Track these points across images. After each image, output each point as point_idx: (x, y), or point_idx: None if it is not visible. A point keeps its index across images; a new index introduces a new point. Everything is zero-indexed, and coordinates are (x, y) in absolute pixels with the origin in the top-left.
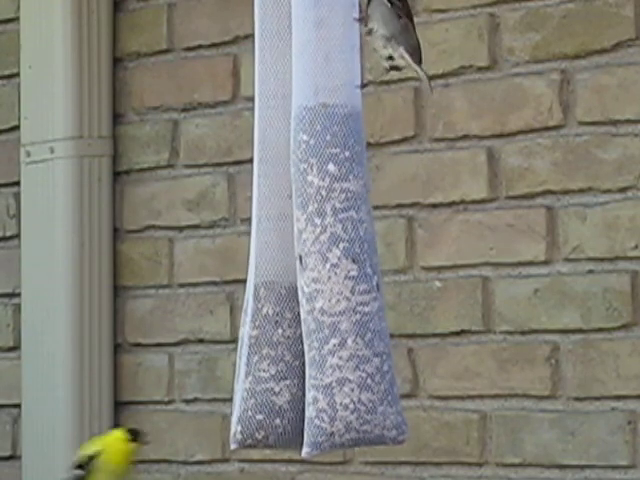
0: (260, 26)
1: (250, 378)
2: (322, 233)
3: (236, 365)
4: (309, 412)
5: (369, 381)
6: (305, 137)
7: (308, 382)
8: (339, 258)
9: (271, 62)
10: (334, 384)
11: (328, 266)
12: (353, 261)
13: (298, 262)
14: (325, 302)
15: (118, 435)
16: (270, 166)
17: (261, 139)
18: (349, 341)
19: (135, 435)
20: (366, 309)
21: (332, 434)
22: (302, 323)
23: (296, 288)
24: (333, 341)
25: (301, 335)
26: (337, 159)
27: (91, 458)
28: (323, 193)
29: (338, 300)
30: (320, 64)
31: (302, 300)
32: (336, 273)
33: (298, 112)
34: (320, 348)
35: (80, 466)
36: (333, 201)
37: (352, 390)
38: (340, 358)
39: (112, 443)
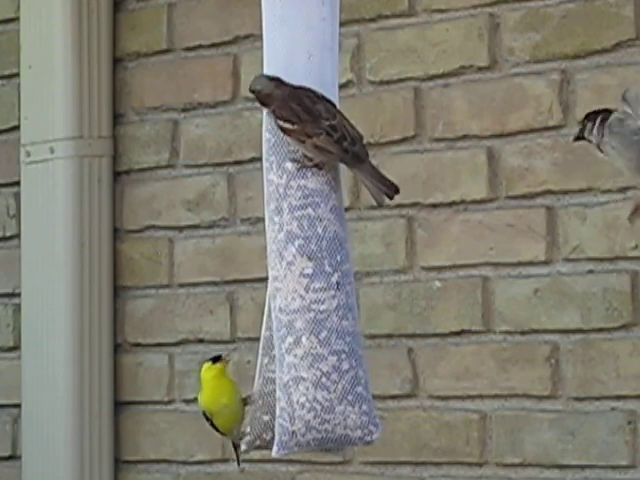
0: None
1: (261, 380)
2: (280, 231)
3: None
4: (276, 411)
5: (324, 379)
6: (268, 135)
7: (276, 381)
8: (294, 256)
9: None
10: (290, 382)
11: (284, 264)
12: (309, 259)
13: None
14: (282, 300)
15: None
16: None
17: None
18: (303, 339)
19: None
20: (322, 307)
21: (294, 433)
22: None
23: None
24: (289, 339)
25: None
26: (295, 156)
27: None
28: (281, 191)
29: (293, 298)
30: (282, 62)
31: (269, 299)
32: (291, 271)
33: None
34: (279, 347)
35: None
36: (289, 199)
37: (307, 389)
38: (295, 356)
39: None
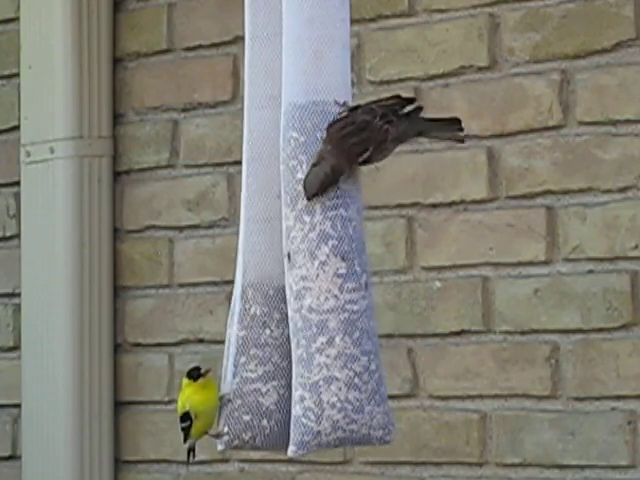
0: (250, 28)
1: (237, 379)
2: (311, 231)
3: (222, 367)
4: (296, 410)
5: (356, 380)
6: (295, 134)
7: (295, 380)
8: (328, 256)
9: (260, 63)
10: (321, 382)
11: (317, 263)
12: (342, 259)
13: (286, 260)
14: (313, 300)
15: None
16: (259, 166)
17: (250, 139)
18: (337, 339)
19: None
20: (354, 307)
21: (319, 433)
22: (289, 321)
23: (284, 289)
24: (321, 339)
25: (289, 336)
26: None
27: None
28: None
29: (326, 298)
30: (311, 61)
31: (290, 298)
32: (324, 271)
33: (288, 109)
34: (308, 346)
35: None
36: (322, 199)
37: (339, 389)
38: (328, 356)
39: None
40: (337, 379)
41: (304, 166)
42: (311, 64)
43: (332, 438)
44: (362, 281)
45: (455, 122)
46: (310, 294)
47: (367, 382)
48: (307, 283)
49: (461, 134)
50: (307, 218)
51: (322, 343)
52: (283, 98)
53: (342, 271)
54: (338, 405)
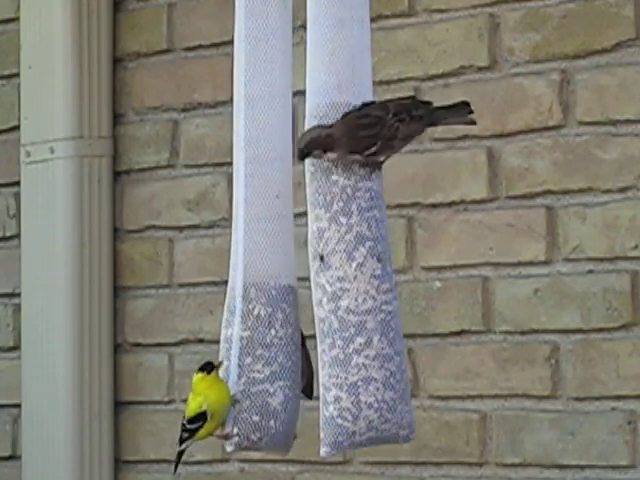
0: (246, 26)
1: (243, 380)
2: (348, 232)
3: (223, 367)
4: (329, 411)
5: (392, 380)
6: None
7: (327, 381)
8: (365, 257)
9: (259, 63)
10: (360, 383)
11: (354, 265)
12: (378, 260)
13: (317, 261)
14: (351, 301)
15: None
16: (258, 166)
17: (249, 140)
18: (375, 340)
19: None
20: (390, 308)
21: (354, 433)
22: (319, 322)
23: (286, 289)
24: (359, 340)
25: (292, 335)
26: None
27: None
28: (349, 192)
29: (364, 299)
30: (344, 62)
31: (322, 299)
32: (362, 272)
33: (320, 110)
34: (345, 347)
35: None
36: (359, 200)
37: (377, 389)
38: (366, 357)
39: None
40: (375, 379)
41: (339, 167)
42: (344, 65)
43: (365, 438)
44: (393, 282)
45: (463, 106)
46: (348, 295)
47: (399, 381)
48: (344, 284)
49: (472, 116)
50: (344, 220)
51: (360, 344)
52: (311, 98)
53: (378, 272)
54: (375, 405)
